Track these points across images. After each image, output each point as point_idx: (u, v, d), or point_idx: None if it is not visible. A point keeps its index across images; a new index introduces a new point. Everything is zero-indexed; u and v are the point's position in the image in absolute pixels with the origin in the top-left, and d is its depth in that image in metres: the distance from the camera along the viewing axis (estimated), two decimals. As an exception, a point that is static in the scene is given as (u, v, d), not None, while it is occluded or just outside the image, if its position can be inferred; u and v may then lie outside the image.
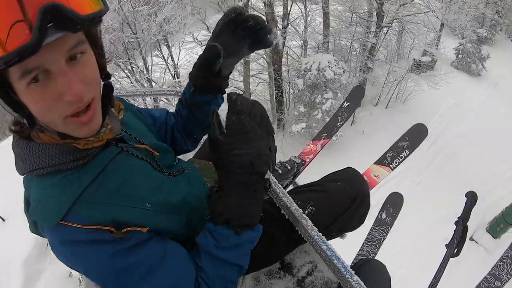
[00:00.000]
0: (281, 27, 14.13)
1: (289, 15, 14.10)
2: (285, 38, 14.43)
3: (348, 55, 17.35)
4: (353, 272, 1.02)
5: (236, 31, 1.13)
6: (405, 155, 2.77)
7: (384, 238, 2.98)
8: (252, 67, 15.19)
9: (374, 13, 15.11)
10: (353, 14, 15.84)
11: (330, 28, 16.13)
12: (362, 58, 16.52)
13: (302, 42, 16.27)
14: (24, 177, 0.91)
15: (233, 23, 1.12)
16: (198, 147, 1.59)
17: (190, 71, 1.29)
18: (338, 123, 2.97)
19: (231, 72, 1.28)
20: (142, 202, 0.91)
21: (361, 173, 1.62)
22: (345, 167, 1.58)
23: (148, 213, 0.91)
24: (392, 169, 2.75)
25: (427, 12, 15.31)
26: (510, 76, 22.72)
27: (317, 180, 1.54)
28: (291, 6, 14.02)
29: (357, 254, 3.03)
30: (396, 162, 2.76)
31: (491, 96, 19.85)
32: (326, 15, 15.06)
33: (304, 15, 15.19)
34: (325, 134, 2.90)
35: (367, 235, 3.02)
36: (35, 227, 0.92)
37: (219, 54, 1.13)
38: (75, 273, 3.31)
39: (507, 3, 27.15)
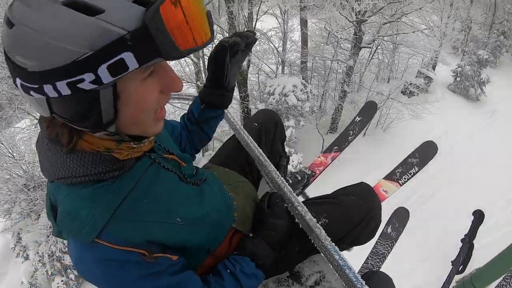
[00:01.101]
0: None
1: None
2: (249, 58, 13.26)
3: (327, 76, 16.02)
4: (363, 282, 1.05)
5: (239, 47, 1.19)
6: (414, 171, 2.79)
7: (389, 252, 2.98)
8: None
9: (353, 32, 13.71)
10: (329, 32, 14.38)
11: (309, 46, 14.96)
12: (338, 82, 15.40)
13: (278, 60, 15.01)
14: (51, 182, 0.87)
15: (242, 42, 1.19)
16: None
17: (200, 90, 1.36)
18: (350, 137, 2.99)
19: (234, 86, 1.35)
20: (173, 217, 0.91)
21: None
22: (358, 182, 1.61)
23: (178, 227, 0.91)
24: (400, 185, 2.78)
25: (418, 31, 14.41)
26: (511, 103, 20.66)
27: (330, 193, 1.58)
28: (255, 23, 12.78)
29: (362, 267, 3.04)
30: (405, 178, 2.78)
31: (488, 124, 18.43)
32: (304, 32, 14.07)
33: (282, 30, 13.98)
34: (336, 147, 2.93)
35: (372, 249, 3.02)
36: (60, 234, 0.90)
37: (226, 48, 1.14)
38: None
39: None
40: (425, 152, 2.91)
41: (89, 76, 0.60)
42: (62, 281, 9.20)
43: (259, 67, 15.26)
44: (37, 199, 9.11)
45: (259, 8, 12.66)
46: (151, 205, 0.87)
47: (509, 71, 24.79)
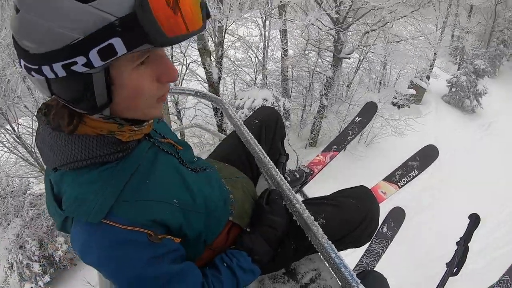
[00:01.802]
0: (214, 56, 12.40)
1: (223, 43, 12.27)
2: (220, 69, 12.56)
3: (308, 87, 14.92)
4: (359, 280, 1.06)
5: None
6: (414, 174, 2.80)
7: (384, 252, 3.00)
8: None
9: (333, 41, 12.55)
10: (307, 41, 13.46)
11: (289, 55, 13.41)
12: (317, 94, 14.29)
13: (259, 69, 13.61)
14: (55, 172, 0.87)
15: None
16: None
17: None
18: (349, 137, 3.00)
19: None
20: (171, 198, 0.92)
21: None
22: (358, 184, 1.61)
23: (176, 209, 0.92)
24: (399, 187, 2.78)
25: (403, 40, 13.60)
26: (508, 115, 19.36)
27: (329, 194, 1.58)
28: (225, 33, 12.02)
29: (356, 266, 3.05)
30: (404, 181, 2.79)
31: (482, 138, 17.37)
32: (283, 41, 12.73)
33: (263, 39, 12.49)
34: (335, 147, 2.93)
35: (367, 247, 3.03)
36: (63, 226, 0.90)
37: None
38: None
39: None
40: (426, 156, 2.91)
41: (81, 59, 0.64)
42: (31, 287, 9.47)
43: (236, 75, 14.37)
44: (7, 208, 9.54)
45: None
46: (152, 185, 0.89)
47: (509, 81, 23.81)
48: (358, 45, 12.65)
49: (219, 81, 12.85)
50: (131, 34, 0.63)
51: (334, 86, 14.41)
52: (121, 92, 0.74)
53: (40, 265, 9.64)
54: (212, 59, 12.37)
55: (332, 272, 1.15)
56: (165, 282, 0.88)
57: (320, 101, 13.77)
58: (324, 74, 13.50)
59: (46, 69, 0.66)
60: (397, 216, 2.97)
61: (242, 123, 1.68)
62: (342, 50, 12.45)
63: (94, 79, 0.69)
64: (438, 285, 2.56)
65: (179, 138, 1.16)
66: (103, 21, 0.61)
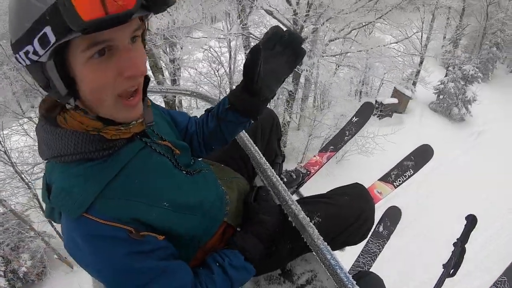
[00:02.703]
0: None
1: (178, 59, 11.86)
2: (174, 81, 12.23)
3: (276, 101, 14.31)
4: (354, 282, 1.05)
5: (274, 49, 1.15)
6: (409, 174, 2.80)
7: (380, 251, 2.99)
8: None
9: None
10: None
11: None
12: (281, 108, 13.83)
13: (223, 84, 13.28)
14: (47, 162, 0.92)
15: (271, 40, 1.14)
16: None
17: (233, 90, 1.25)
18: (346, 137, 3.00)
19: (272, 97, 1.23)
20: (160, 201, 0.92)
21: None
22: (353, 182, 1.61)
23: (166, 212, 0.93)
24: (395, 187, 2.79)
25: (370, 49, 12.56)
26: (500, 123, 18.41)
27: (325, 192, 1.58)
28: (182, 48, 11.52)
29: (353, 266, 3.05)
30: (400, 181, 2.79)
31: (471, 148, 16.53)
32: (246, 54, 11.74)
33: (228, 50, 12.21)
34: (332, 147, 2.93)
35: (364, 247, 3.02)
36: (51, 214, 0.93)
37: (258, 51, 1.07)
38: None
39: (507, 34, 23.72)
40: (421, 156, 2.92)
41: (30, 48, 0.68)
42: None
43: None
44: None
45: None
46: (140, 186, 0.90)
47: (503, 85, 22.99)
48: (323, 56, 12.13)
49: (175, 98, 12.21)
50: (56, 22, 0.63)
51: (297, 101, 13.96)
52: (82, 84, 0.76)
53: (7, 280, 10.18)
54: (166, 75, 11.89)
55: (328, 274, 1.14)
56: (152, 278, 0.89)
57: (284, 115, 13.31)
58: (285, 88, 12.81)
59: (18, 57, 0.73)
60: (393, 215, 2.96)
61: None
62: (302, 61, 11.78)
63: (48, 68, 0.72)
64: (435, 286, 2.56)
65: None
66: (38, 12, 0.64)
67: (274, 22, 11.20)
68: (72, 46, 0.69)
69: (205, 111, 1.36)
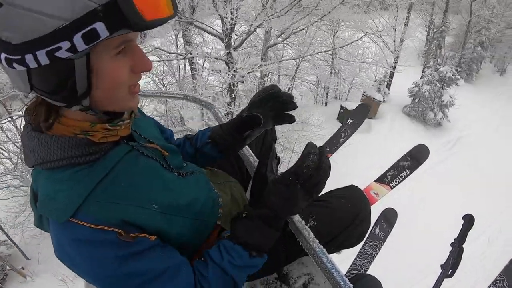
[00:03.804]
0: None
1: None
2: None
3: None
4: (351, 285, 1.04)
5: (267, 105, 1.26)
6: (406, 174, 2.80)
7: (377, 253, 2.98)
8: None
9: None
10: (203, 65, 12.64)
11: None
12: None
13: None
14: (32, 170, 0.92)
15: (270, 97, 1.27)
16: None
17: (216, 126, 1.38)
18: (341, 139, 2.99)
19: (247, 141, 1.38)
20: (149, 203, 0.92)
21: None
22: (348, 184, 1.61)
23: (155, 214, 0.92)
24: (391, 188, 2.78)
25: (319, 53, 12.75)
26: (481, 127, 17.43)
27: (320, 195, 1.57)
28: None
29: (350, 268, 3.04)
30: (396, 181, 2.79)
31: (446, 158, 15.24)
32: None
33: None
34: (328, 149, 2.92)
35: (360, 249, 3.02)
36: (40, 221, 0.93)
37: (260, 122, 1.24)
38: None
39: (492, 32, 22.58)
40: (417, 156, 2.91)
41: (65, 44, 0.67)
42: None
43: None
44: None
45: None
46: (127, 189, 0.90)
47: (488, 86, 21.91)
48: (256, 68, 11.62)
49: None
50: (113, 19, 0.67)
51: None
52: (100, 81, 0.77)
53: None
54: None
55: (325, 277, 1.13)
56: (148, 280, 0.88)
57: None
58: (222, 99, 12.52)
59: (29, 58, 0.68)
60: (389, 217, 2.96)
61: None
62: (237, 72, 11.39)
63: (77, 65, 0.72)
64: (433, 286, 2.56)
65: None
66: (86, 8, 0.65)
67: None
68: (103, 44, 0.72)
69: (184, 137, 1.45)
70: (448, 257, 2.56)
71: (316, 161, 0.96)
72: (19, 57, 0.69)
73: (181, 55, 11.78)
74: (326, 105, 17.86)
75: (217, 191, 1.24)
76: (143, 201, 0.91)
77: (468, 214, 2.65)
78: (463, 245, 2.58)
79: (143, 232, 0.88)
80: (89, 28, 0.66)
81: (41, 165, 0.86)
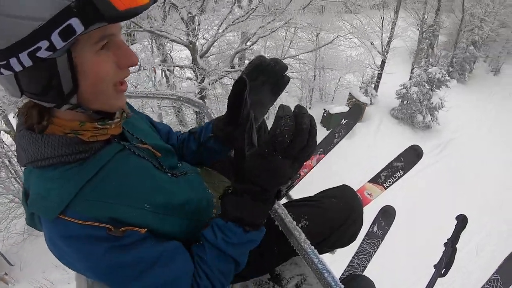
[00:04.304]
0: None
1: None
2: None
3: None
4: (343, 286, 1.04)
5: (258, 78, 1.19)
6: (399, 175, 2.80)
7: (375, 251, 2.98)
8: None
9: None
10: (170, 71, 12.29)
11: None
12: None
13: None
14: (25, 168, 0.94)
15: (256, 70, 1.19)
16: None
17: (217, 118, 1.32)
18: (335, 140, 2.99)
19: (256, 126, 1.24)
20: (141, 202, 0.92)
21: (356, 191, 1.64)
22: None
23: (147, 213, 0.92)
24: (385, 188, 2.79)
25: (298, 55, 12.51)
26: (472, 129, 16.78)
27: (312, 195, 1.57)
28: None
29: (347, 266, 3.04)
30: (389, 182, 2.79)
31: (436, 162, 14.58)
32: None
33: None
34: (321, 150, 2.92)
35: (358, 247, 3.02)
36: (32, 220, 0.96)
37: (244, 82, 1.09)
38: None
39: (485, 31, 21.82)
40: (410, 156, 2.92)
41: (44, 43, 0.68)
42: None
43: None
44: None
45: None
46: (118, 188, 0.90)
47: (482, 86, 21.22)
48: (222, 77, 11.55)
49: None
50: (86, 12, 0.67)
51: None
52: (85, 78, 0.79)
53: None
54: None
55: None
56: (143, 269, 0.89)
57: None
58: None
59: (13, 61, 0.70)
60: (387, 214, 2.96)
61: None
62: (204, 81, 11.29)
63: (59, 64, 0.73)
64: (426, 286, 2.57)
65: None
66: (60, 6, 0.66)
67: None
68: (83, 40, 0.73)
69: (188, 131, 1.40)
70: (442, 257, 2.57)
71: (291, 124, 0.83)
72: (5, 62, 0.71)
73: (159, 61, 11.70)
74: (310, 108, 16.89)
75: (211, 192, 1.24)
76: (134, 200, 0.91)
77: (461, 214, 2.66)
78: (456, 245, 2.59)
79: (133, 227, 0.89)
80: (64, 25, 0.67)
81: (32, 163, 0.87)
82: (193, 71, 11.23)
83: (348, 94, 17.18)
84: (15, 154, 1.01)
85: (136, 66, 1.05)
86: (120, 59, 0.83)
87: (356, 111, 3.28)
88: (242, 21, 10.18)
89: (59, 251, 0.87)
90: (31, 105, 0.87)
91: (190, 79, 12.00)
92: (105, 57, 0.80)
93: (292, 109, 0.86)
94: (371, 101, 17.36)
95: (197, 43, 10.88)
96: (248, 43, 11.52)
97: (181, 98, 2.07)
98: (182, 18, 10.08)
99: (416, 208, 11.90)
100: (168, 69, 12.01)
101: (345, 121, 3.12)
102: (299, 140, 0.84)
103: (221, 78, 11.89)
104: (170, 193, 1.01)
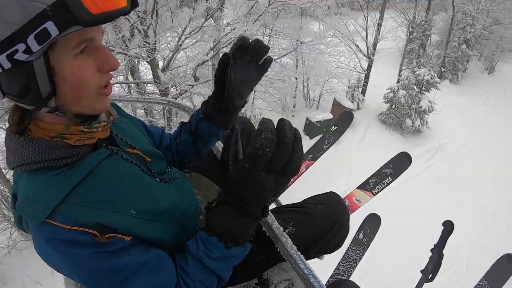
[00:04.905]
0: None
1: None
2: None
3: None
4: (328, 291, 1.05)
5: (243, 58, 1.19)
6: (388, 181, 2.84)
7: (360, 259, 3.01)
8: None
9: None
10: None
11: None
12: None
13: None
14: (14, 172, 0.94)
15: (240, 50, 1.17)
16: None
17: (205, 100, 1.31)
18: (325, 146, 3.02)
19: (243, 105, 1.30)
20: (127, 208, 0.92)
21: (343, 198, 1.67)
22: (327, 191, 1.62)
23: (132, 219, 0.92)
24: (374, 195, 2.83)
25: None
26: (465, 132, 16.00)
27: (299, 201, 1.59)
28: None
29: (333, 273, 3.06)
30: (378, 188, 2.83)
31: (428, 169, 13.89)
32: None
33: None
34: (311, 156, 2.95)
35: (344, 254, 3.05)
36: (20, 223, 0.95)
37: (227, 57, 1.13)
38: None
39: (477, 29, 20.82)
40: (399, 163, 2.96)
41: (21, 46, 0.69)
42: None
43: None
44: None
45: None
46: (105, 193, 0.90)
47: (475, 86, 20.42)
48: (186, 91, 11.26)
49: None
50: (61, 16, 0.68)
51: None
52: (64, 82, 0.79)
53: None
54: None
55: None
56: (128, 275, 0.88)
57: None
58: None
59: None
60: (373, 222, 3.00)
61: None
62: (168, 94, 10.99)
63: (36, 67, 0.74)
64: (413, 291, 2.60)
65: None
66: (37, 9, 0.67)
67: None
68: (60, 44, 0.74)
69: (180, 123, 1.41)
70: (428, 262, 2.61)
71: (271, 138, 0.78)
72: None
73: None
74: (293, 116, 16.26)
75: (199, 198, 1.23)
76: (120, 206, 0.91)
77: (448, 220, 2.70)
78: (443, 251, 2.63)
79: (119, 233, 0.89)
80: (40, 28, 0.68)
81: (21, 167, 0.87)
82: (156, 86, 11.02)
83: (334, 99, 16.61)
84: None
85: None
86: (100, 63, 0.83)
87: (346, 118, 3.30)
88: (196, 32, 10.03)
89: (46, 254, 0.87)
90: (15, 107, 0.87)
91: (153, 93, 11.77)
92: (84, 62, 0.80)
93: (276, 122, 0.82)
94: (358, 106, 16.90)
95: (157, 58, 10.67)
96: (211, 53, 11.02)
97: (172, 103, 2.08)
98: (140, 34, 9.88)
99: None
100: (132, 83, 11.91)
101: (335, 128, 3.15)
102: (280, 155, 0.80)
103: (186, 91, 11.57)
104: (157, 198, 1.01)
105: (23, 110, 0.85)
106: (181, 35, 10.39)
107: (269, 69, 1.27)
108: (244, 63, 1.20)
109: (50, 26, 0.68)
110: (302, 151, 0.84)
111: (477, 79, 21.34)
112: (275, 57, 12.45)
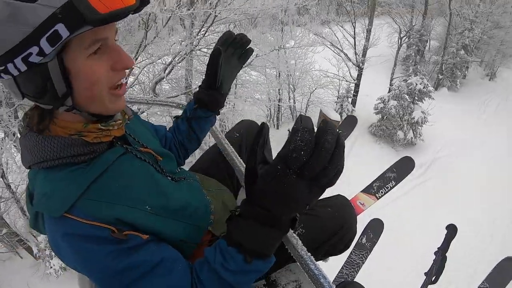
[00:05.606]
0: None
1: None
2: None
3: None
4: (337, 291, 1.07)
5: (227, 50, 1.38)
6: (391, 185, 2.86)
7: (363, 262, 3.02)
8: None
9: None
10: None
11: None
12: None
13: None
14: (30, 170, 0.96)
15: (226, 43, 1.37)
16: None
17: (196, 90, 1.46)
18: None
19: (228, 92, 1.49)
20: (142, 204, 0.94)
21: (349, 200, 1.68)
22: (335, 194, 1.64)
23: (148, 215, 0.94)
24: (377, 198, 2.84)
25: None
26: (462, 143, 14.93)
27: None
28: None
29: (336, 277, 3.07)
30: (382, 192, 2.85)
31: (420, 185, 12.97)
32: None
33: None
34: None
35: (347, 258, 3.06)
36: (36, 221, 0.97)
37: (219, 51, 1.30)
38: None
39: (476, 34, 19.81)
40: (403, 167, 2.98)
41: (35, 49, 0.72)
42: None
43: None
44: None
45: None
46: (121, 190, 0.93)
47: (477, 93, 19.67)
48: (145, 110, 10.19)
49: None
50: (70, 17, 0.70)
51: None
52: (78, 81, 0.81)
53: None
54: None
55: (312, 283, 1.16)
56: (143, 274, 0.89)
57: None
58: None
59: (11, 67, 0.74)
60: (376, 227, 3.01)
61: (224, 136, 1.70)
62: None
63: (50, 68, 0.76)
64: (417, 293, 2.61)
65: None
66: (47, 13, 0.69)
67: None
68: (73, 45, 0.76)
69: (174, 117, 1.53)
70: (432, 265, 2.62)
71: (308, 140, 0.69)
72: (3, 67, 0.75)
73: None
74: (277, 128, 15.55)
75: (209, 198, 1.27)
76: (136, 202, 0.94)
77: (451, 224, 2.72)
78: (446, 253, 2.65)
79: (136, 231, 0.91)
80: (51, 31, 0.70)
81: (38, 164, 0.89)
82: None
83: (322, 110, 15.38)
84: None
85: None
86: (113, 62, 0.85)
87: (350, 122, 3.32)
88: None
89: (61, 249, 0.89)
90: (34, 106, 0.91)
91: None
92: (98, 61, 0.82)
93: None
94: (351, 114, 15.61)
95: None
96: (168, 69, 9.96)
97: (181, 106, 2.10)
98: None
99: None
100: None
101: (339, 132, 3.16)
102: (317, 160, 0.70)
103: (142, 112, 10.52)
104: (170, 196, 1.04)
105: (42, 110, 0.88)
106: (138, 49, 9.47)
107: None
108: (229, 54, 1.38)
109: (60, 28, 0.70)
110: (343, 159, 0.74)
111: (477, 85, 20.41)
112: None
